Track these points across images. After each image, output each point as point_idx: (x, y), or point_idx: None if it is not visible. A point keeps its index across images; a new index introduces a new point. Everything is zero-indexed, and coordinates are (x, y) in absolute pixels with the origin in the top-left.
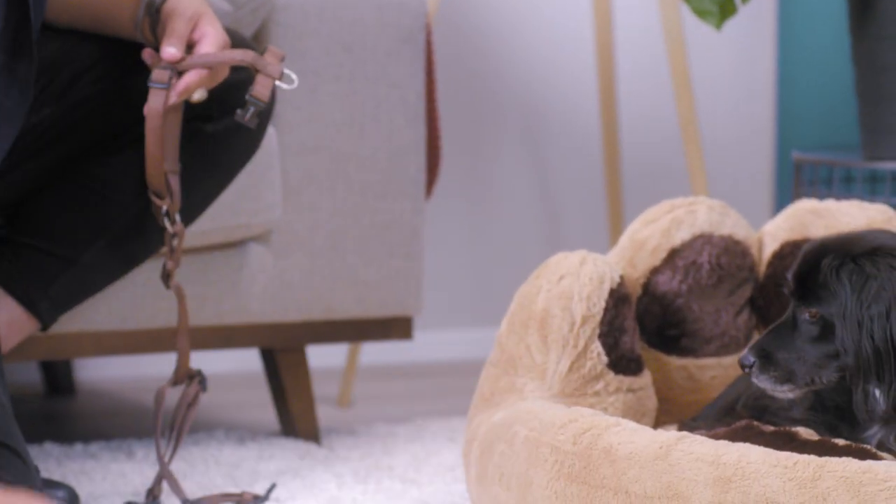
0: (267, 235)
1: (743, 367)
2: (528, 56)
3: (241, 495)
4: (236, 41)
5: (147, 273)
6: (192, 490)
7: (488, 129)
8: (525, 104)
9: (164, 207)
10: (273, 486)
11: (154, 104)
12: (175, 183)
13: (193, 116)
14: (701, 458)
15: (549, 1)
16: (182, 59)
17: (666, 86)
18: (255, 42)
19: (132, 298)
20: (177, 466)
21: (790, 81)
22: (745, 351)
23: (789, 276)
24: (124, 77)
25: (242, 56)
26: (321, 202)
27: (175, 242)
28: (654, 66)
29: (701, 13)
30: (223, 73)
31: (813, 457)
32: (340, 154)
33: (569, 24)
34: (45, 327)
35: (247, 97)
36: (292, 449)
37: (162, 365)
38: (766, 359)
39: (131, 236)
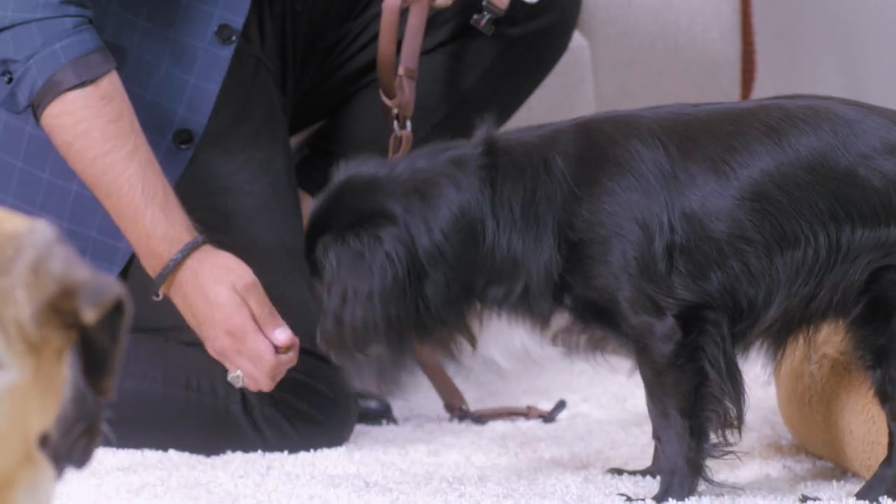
0: None
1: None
2: None
3: (527, 410)
4: None
5: None
6: (506, 404)
7: (803, 42)
8: (841, 16)
9: (395, 109)
10: (561, 403)
11: (392, 0)
12: (410, 88)
13: (499, 20)
14: None
15: None
16: None
17: None
18: None
19: None
20: (489, 379)
21: None
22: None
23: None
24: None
25: None
26: None
27: (401, 147)
28: None
29: None
30: None
31: None
32: (655, 68)
33: None
34: None
35: (483, 3)
36: (604, 363)
37: None
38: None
39: None
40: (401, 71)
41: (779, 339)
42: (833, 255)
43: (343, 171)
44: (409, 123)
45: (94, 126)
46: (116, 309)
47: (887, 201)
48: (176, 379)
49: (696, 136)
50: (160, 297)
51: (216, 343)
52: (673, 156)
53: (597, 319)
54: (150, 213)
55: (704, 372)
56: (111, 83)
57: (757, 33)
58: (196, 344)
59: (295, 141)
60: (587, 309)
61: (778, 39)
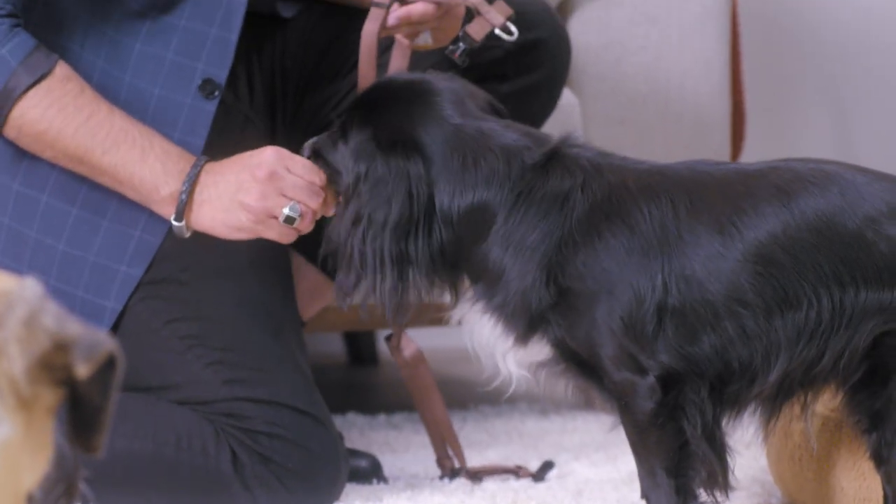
0: None
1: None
2: (834, 27)
3: (518, 469)
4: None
5: None
6: (496, 462)
7: (793, 100)
8: (831, 75)
9: None
10: (548, 464)
11: (370, 26)
12: None
13: (489, 77)
14: None
15: None
16: None
17: None
18: (558, 12)
19: None
20: (479, 438)
21: None
22: (309, 141)
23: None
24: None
25: None
26: None
27: None
28: None
29: None
30: (453, 25)
31: None
32: (645, 125)
33: None
34: None
35: (459, 34)
36: (595, 422)
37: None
38: (317, 152)
39: None
40: None
41: (775, 403)
42: (837, 318)
43: (430, 78)
44: None
45: (65, 103)
46: (108, 364)
47: (892, 265)
48: (166, 437)
49: (708, 196)
50: (188, 232)
51: (260, 171)
52: (681, 216)
53: (580, 369)
54: (156, 144)
55: (684, 431)
56: (63, 67)
57: (747, 92)
58: (187, 403)
59: None
60: (570, 356)
61: (768, 98)
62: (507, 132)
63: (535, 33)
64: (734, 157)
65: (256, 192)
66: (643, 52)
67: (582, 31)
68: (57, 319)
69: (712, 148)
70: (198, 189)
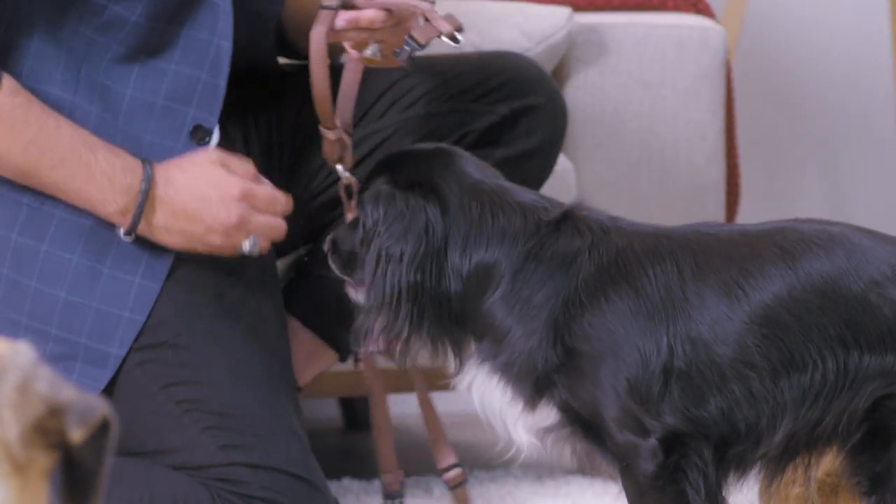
0: None
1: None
2: (828, 93)
3: None
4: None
5: None
6: None
7: (788, 166)
8: (826, 141)
9: (333, 138)
10: None
11: (318, 28)
12: (348, 142)
13: (483, 143)
14: None
15: (849, 38)
16: None
17: None
18: (554, 77)
19: None
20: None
21: None
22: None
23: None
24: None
25: (417, 4)
26: None
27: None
28: None
29: None
30: (402, 32)
31: None
32: (640, 191)
33: (869, 61)
34: (342, 358)
35: (405, 37)
36: (589, 487)
37: (462, 403)
38: (335, 244)
39: None
40: (338, 123)
41: (780, 464)
42: (840, 380)
43: (451, 148)
44: (348, 173)
45: (14, 116)
46: (103, 428)
47: (895, 329)
48: (162, 502)
49: (713, 258)
50: (133, 237)
51: (230, 216)
52: (686, 278)
53: (585, 432)
54: (101, 157)
55: (686, 494)
56: (9, 80)
57: (741, 157)
58: (183, 467)
59: (282, 264)
60: (576, 419)
61: (762, 163)
62: (525, 192)
63: (531, 99)
64: (729, 222)
65: (230, 212)
66: (638, 117)
67: (577, 96)
68: (50, 384)
69: (707, 213)
70: (156, 218)
